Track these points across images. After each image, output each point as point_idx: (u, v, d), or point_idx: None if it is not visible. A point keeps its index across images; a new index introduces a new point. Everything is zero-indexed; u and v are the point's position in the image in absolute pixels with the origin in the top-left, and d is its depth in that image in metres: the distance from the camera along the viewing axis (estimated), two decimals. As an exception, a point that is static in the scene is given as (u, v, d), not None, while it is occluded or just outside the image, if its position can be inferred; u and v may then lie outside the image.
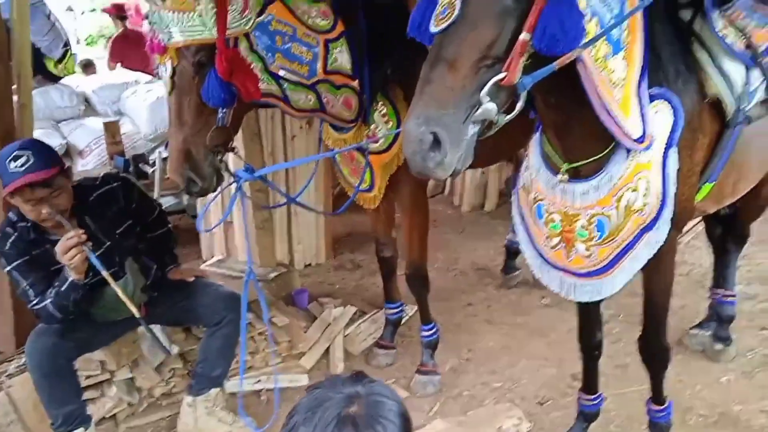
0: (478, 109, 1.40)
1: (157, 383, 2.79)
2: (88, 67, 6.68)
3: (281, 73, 2.38)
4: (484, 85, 1.40)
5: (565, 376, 2.97)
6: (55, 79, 5.42)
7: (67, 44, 6.01)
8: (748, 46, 2.06)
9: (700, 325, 3.16)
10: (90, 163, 4.67)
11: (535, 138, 2.02)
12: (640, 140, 1.75)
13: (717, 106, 2.00)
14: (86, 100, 5.14)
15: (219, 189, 2.47)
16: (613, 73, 1.65)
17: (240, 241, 3.93)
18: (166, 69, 2.26)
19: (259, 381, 2.94)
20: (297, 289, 3.69)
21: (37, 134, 3.44)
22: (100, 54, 8.34)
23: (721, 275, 3.09)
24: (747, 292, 3.59)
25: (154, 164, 4.49)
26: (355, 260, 4.41)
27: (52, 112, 4.86)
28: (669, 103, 1.82)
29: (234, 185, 2.45)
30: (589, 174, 1.85)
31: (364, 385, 1.06)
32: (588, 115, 1.67)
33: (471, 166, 4.01)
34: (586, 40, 1.49)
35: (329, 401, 1.02)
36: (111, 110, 5.10)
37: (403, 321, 3.36)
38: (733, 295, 3.07)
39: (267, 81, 2.36)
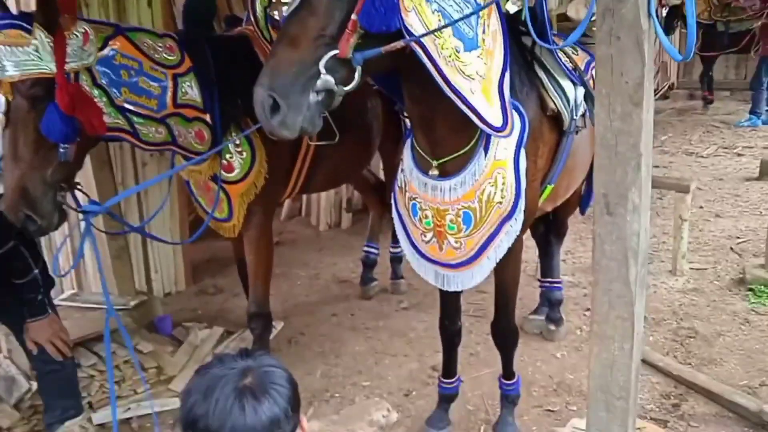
0: (317, 79, 1.63)
1: (18, 421, 2.66)
2: None
3: (128, 106, 2.36)
4: (321, 58, 1.63)
5: (425, 368, 3.23)
6: None
7: None
8: (575, 67, 2.45)
9: (535, 311, 3.58)
10: None
11: (407, 143, 2.26)
12: (502, 128, 1.97)
13: (554, 119, 2.34)
14: None
15: (64, 226, 2.34)
16: (467, 66, 1.88)
17: (93, 273, 3.79)
18: None
19: (128, 409, 2.88)
20: (159, 316, 3.64)
21: None
22: None
23: (548, 266, 3.53)
24: (572, 281, 4.13)
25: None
26: (218, 284, 4.40)
27: None
28: (516, 110, 2.11)
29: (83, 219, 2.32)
30: (454, 171, 2.11)
31: (254, 358, 1.19)
32: (449, 107, 1.89)
33: (319, 189, 4.26)
34: (424, 31, 1.72)
35: (224, 377, 1.13)
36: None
37: (272, 336, 3.44)
38: (559, 282, 3.52)
39: (113, 115, 2.33)
